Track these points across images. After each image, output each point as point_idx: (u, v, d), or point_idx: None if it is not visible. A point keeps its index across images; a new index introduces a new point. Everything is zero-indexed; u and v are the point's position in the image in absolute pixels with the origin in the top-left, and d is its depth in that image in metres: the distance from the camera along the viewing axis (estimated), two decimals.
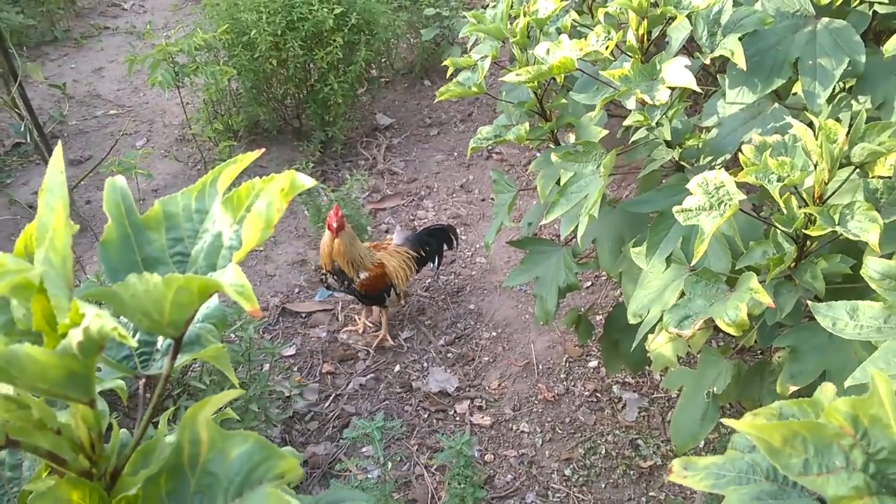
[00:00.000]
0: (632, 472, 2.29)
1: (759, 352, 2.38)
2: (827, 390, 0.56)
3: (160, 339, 0.56)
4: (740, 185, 1.17)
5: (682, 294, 1.30)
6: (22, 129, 3.24)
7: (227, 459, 0.39)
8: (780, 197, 1.15)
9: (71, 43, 5.16)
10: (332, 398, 2.62)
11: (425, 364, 2.75)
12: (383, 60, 4.43)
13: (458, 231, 3.07)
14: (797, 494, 0.53)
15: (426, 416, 2.56)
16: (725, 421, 0.47)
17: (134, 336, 0.55)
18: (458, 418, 2.54)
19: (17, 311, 0.40)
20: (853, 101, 1.46)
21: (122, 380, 0.61)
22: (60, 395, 0.38)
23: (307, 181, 0.43)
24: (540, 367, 2.70)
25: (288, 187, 0.43)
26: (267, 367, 2.62)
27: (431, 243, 2.92)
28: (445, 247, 2.99)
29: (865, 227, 1.05)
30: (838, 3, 1.49)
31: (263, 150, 0.52)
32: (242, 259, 0.42)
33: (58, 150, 0.44)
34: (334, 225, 2.54)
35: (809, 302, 1.01)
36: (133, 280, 0.38)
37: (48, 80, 4.35)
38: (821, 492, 0.45)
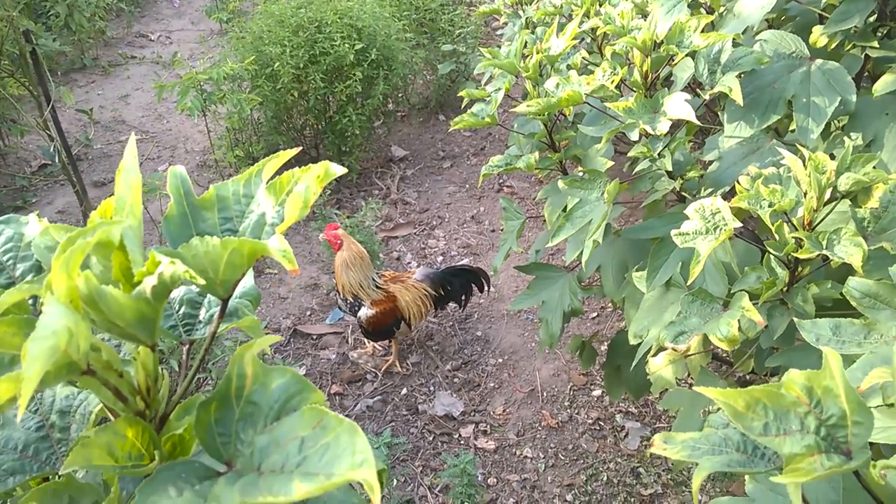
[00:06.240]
0: (633, 500, 2.32)
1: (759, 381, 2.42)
2: (792, 374, 0.62)
3: (202, 311, 0.63)
4: (745, 220, 1.24)
5: (680, 314, 1.36)
6: (51, 150, 3.37)
7: (267, 391, 0.46)
8: (773, 223, 1.22)
9: (99, 71, 5.35)
10: None
11: (432, 388, 2.80)
12: (400, 95, 4.57)
13: (489, 275, 2.94)
14: (764, 464, 0.60)
15: (431, 438, 2.60)
16: (697, 388, 0.54)
17: (180, 308, 0.63)
18: (462, 442, 2.58)
19: (96, 269, 0.48)
20: (846, 138, 1.53)
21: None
22: (131, 335, 0.46)
23: (339, 170, 0.51)
24: (545, 394, 2.74)
25: (323, 174, 0.51)
26: None
27: (454, 283, 2.83)
28: (475, 289, 2.90)
29: (850, 251, 1.12)
30: (833, 46, 1.59)
31: (301, 148, 0.60)
32: (283, 232, 0.50)
33: (131, 141, 0.53)
34: (322, 237, 2.56)
35: (795, 319, 1.07)
36: (195, 242, 0.45)
37: (76, 105, 4.51)
38: (778, 450, 0.52)
